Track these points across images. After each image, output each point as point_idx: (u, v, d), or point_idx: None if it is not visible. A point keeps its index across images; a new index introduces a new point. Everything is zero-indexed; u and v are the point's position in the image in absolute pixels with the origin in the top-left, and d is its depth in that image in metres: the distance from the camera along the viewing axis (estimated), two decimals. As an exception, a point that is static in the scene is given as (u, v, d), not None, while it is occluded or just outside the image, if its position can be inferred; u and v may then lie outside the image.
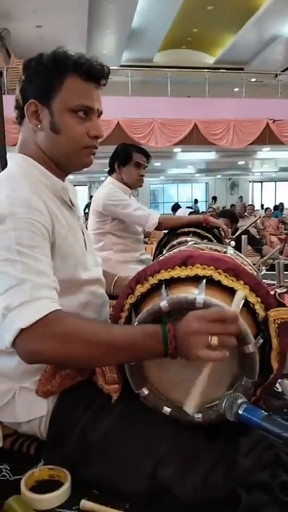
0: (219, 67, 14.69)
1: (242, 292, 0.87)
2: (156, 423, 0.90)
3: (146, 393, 0.90)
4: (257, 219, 3.78)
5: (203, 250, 1.15)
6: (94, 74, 0.99)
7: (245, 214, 7.26)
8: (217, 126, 10.49)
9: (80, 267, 1.05)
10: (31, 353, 0.82)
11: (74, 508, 0.84)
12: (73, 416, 0.93)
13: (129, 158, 2.36)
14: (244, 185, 19.57)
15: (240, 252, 2.33)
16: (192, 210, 10.47)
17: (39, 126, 0.99)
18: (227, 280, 0.89)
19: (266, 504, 0.80)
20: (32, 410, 0.97)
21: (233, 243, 2.80)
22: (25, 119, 1.01)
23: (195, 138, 10.39)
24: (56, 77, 0.97)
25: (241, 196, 16.83)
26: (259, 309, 0.89)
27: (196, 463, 0.84)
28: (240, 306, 0.85)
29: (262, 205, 15.83)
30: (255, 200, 17.93)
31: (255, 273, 1.16)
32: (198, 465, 0.84)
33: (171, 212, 8.42)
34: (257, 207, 14.96)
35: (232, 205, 9.90)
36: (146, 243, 5.44)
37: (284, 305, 0.95)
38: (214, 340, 0.78)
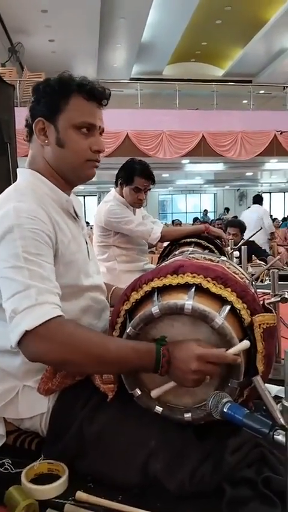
0: (228, 79, 14.84)
1: (247, 341, 0.92)
2: (148, 421, 0.96)
3: (139, 393, 0.97)
4: (259, 230, 3.81)
5: (197, 259, 1.21)
6: (95, 94, 1.08)
7: (252, 224, 7.29)
8: (225, 138, 10.57)
9: (83, 274, 1.12)
10: (33, 353, 0.90)
11: (70, 499, 0.89)
12: (71, 414, 0.99)
13: (130, 181, 2.36)
14: (253, 196, 19.57)
15: (240, 262, 2.39)
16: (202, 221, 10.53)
17: (46, 142, 1.08)
18: (215, 288, 0.95)
19: (250, 498, 0.85)
20: (34, 408, 1.04)
21: (236, 253, 2.85)
22: (34, 136, 1.10)
23: (203, 150, 10.47)
24: (61, 97, 1.06)
25: (249, 207, 16.84)
26: (245, 314, 0.95)
27: (185, 458, 0.90)
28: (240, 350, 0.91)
29: (271, 216, 15.80)
30: (264, 211, 17.89)
31: (246, 282, 1.22)
32: (187, 460, 0.90)
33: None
34: (266, 217, 14.94)
35: (234, 217, 9.90)
36: (153, 252, 5.50)
37: (270, 311, 1.01)
38: (207, 379, 0.90)
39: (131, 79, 14.50)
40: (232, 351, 0.89)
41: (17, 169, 1.15)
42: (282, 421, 0.83)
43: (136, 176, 2.35)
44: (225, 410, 0.84)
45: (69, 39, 11.75)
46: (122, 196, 2.44)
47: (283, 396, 0.73)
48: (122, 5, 10.70)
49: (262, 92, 13.67)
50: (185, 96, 11.50)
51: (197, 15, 11.60)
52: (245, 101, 12.35)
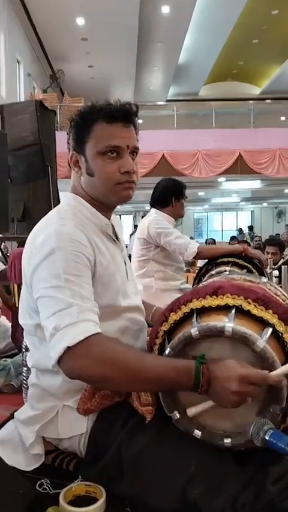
0: (265, 97, 14.79)
1: None
2: (187, 444, 0.94)
3: (178, 416, 0.95)
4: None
5: (236, 280, 1.20)
6: (115, 114, 1.08)
7: (292, 243, 7.13)
8: (262, 155, 10.48)
9: (121, 295, 1.13)
10: (72, 370, 0.91)
11: (107, 522, 0.89)
12: (110, 435, 0.99)
13: (183, 193, 2.60)
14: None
15: (280, 282, 2.33)
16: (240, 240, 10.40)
17: (79, 172, 1.13)
18: (256, 310, 0.93)
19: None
20: (73, 428, 1.04)
21: (276, 272, 2.78)
22: None
23: (239, 168, 10.42)
24: (84, 128, 1.09)
25: (288, 225, 16.49)
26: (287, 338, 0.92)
27: (225, 484, 0.87)
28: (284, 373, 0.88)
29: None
30: (303, 229, 17.47)
31: (288, 304, 1.19)
32: (228, 487, 0.87)
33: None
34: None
35: (277, 234, 9.75)
36: (188, 271, 5.46)
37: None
38: (249, 401, 0.87)
39: (167, 101, 14.74)
40: (276, 373, 0.86)
41: (61, 193, 1.19)
42: None
43: (183, 188, 2.63)
44: (267, 438, 0.81)
45: (108, 64, 12.18)
46: (167, 214, 2.58)
47: None
48: (159, 30, 10.99)
49: (300, 109, 13.51)
50: (222, 115, 11.55)
51: (233, 36, 11.71)
52: (283, 118, 12.23)
